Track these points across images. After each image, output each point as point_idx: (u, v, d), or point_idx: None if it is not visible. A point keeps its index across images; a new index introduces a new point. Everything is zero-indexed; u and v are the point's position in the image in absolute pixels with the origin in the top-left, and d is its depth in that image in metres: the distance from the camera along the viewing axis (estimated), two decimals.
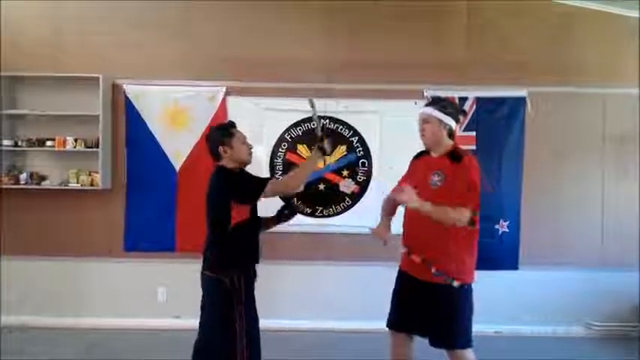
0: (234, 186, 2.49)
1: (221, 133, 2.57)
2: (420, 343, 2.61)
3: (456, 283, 2.46)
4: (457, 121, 2.65)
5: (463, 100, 4.10)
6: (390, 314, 2.70)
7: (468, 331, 2.55)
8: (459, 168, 2.49)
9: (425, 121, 2.61)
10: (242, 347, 2.41)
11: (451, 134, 2.62)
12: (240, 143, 2.57)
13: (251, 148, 2.64)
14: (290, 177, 2.71)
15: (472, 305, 2.58)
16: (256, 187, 2.50)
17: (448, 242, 2.49)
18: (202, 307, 2.58)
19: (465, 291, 2.53)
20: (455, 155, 2.54)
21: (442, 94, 4.06)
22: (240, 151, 2.56)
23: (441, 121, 2.57)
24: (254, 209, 2.60)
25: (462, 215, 2.42)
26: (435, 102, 2.68)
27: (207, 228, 2.57)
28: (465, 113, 2.73)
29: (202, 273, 2.54)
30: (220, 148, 2.53)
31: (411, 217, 2.63)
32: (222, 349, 2.42)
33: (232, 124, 2.63)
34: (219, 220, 2.49)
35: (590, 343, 4.02)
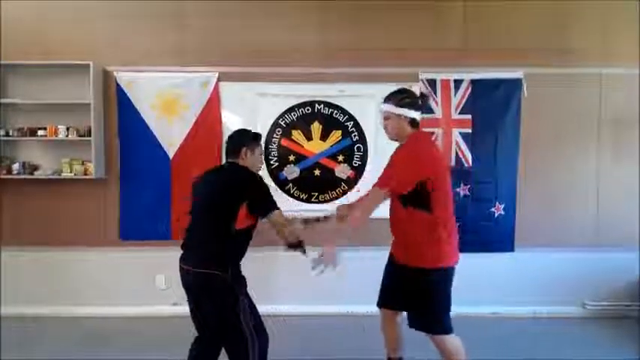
0: (255, 190, 2.49)
1: (250, 137, 2.68)
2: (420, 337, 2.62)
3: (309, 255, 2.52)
4: (418, 108, 2.63)
5: (459, 82, 4.08)
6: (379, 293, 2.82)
7: (441, 317, 2.55)
8: (397, 151, 2.61)
9: (385, 117, 2.66)
10: (251, 336, 2.43)
11: (414, 123, 2.63)
12: (259, 154, 2.71)
13: (261, 164, 2.79)
14: (286, 224, 2.58)
15: (445, 292, 2.55)
16: (269, 205, 2.50)
17: (404, 230, 2.59)
18: (196, 307, 2.52)
19: (433, 277, 2.51)
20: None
21: (438, 76, 4.07)
22: (256, 161, 2.68)
23: (399, 115, 2.59)
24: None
25: (358, 209, 2.57)
26: (391, 97, 2.66)
27: (205, 223, 2.50)
28: (424, 97, 2.73)
29: (194, 271, 2.46)
30: (244, 149, 2.60)
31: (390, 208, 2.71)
32: (233, 342, 2.44)
33: (260, 136, 2.76)
34: (226, 218, 2.43)
35: (585, 323, 4.05)
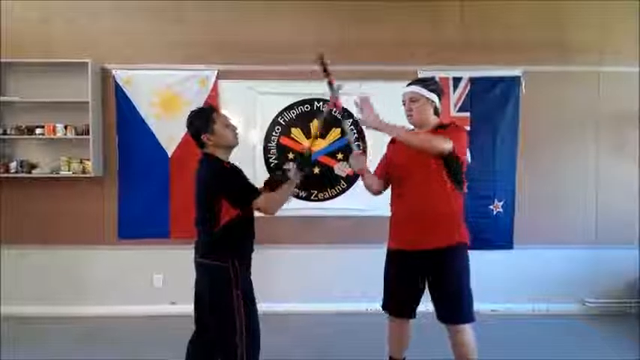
0: (226, 184, 2.34)
1: (201, 119, 2.39)
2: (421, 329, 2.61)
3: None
4: (440, 98, 2.64)
5: (457, 80, 4.08)
6: (384, 297, 2.70)
7: (471, 300, 2.52)
8: (443, 132, 2.49)
9: (412, 100, 2.60)
10: (242, 332, 2.34)
11: (436, 111, 2.63)
12: (224, 127, 2.41)
13: (235, 130, 2.48)
14: (276, 200, 2.43)
15: (469, 272, 2.54)
16: (249, 192, 2.36)
17: (437, 209, 2.48)
18: (196, 298, 2.48)
19: (462, 252, 2.52)
20: (440, 126, 2.57)
21: (436, 74, 4.06)
22: (224, 136, 2.40)
23: (427, 98, 2.58)
24: None
25: (438, 141, 2.36)
26: (419, 80, 2.68)
27: (197, 215, 2.44)
28: (443, 92, 2.73)
29: (196, 261, 2.44)
30: (203, 137, 2.37)
31: (399, 194, 2.64)
32: (222, 335, 2.37)
33: (212, 109, 2.49)
34: (207, 217, 2.36)
35: (585, 321, 4.05)
